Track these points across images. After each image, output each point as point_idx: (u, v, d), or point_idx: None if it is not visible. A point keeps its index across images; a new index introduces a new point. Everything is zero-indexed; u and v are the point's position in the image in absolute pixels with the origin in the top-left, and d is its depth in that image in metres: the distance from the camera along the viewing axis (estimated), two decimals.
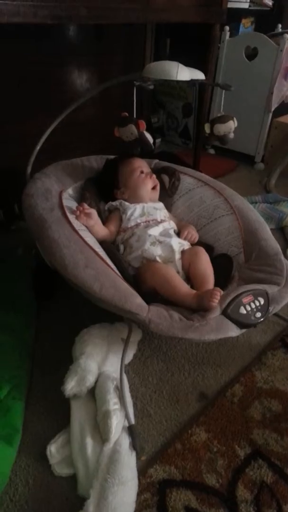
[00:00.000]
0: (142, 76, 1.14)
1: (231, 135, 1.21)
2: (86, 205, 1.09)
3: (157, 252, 1.09)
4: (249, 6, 2.37)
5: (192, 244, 1.19)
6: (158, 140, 2.54)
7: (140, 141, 1.21)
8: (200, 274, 1.07)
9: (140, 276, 1.06)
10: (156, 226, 1.16)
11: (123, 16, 1.28)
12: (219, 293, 0.93)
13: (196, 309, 0.96)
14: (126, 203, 1.21)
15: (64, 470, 0.82)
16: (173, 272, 1.05)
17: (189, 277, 1.09)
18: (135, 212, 1.19)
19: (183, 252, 1.12)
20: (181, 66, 1.09)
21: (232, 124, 1.18)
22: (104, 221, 1.20)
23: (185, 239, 1.18)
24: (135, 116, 1.21)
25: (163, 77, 1.10)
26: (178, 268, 1.09)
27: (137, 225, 1.17)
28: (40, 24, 1.06)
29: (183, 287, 1.01)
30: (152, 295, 1.00)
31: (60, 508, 0.77)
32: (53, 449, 0.84)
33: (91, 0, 1.15)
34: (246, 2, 2.33)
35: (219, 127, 1.17)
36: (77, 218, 1.06)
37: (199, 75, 1.20)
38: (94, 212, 1.10)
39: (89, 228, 1.09)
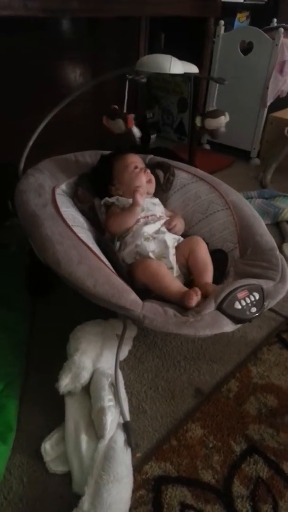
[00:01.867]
0: (135, 70, 1.13)
1: (223, 129, 1.21)
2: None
3: (150, 247, 1.09)
4: (244, 0, 2.36)
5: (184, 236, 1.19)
6: (153, 136, 2.53)
7: (127, 135, 1.20)
8: (200, 262, 1.07)
9: (132, 272, 1.06)
10: (153, 224, 1.15)
11: (116, 10, 1.27)
12: (195, 295, 0.94)
13: (183, 306, 0.96)
14: (124, 199, 1.20)
15: (58, 468, 0.81)
16: (164, 269, 1.05)
17: (188, 266, 1.09)
18: None
19: (179, 245, 1.12)
20: (174, 59, 1.08)
21: (223, 119, 1.17)
22: (107, 217, 1.19)
23: (171, 230, 1.17)
24: (125, 110, 1.20)
25: (156, 70, 1.08)
26: (172, 263, 1.08)
27: (136, 221, 1.16)
28: (32, 17, 1.04)
29: (173, 285, 1.00)
30: (146, 291, 1.00)
31: (54, 505, 0.77)
32: (48, 447, 0.83)
33: None
34: None
35: (210, 121, 1.17)
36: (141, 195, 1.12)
37: (193, 69, 1.19)
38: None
39: (135, 212, 1.13)
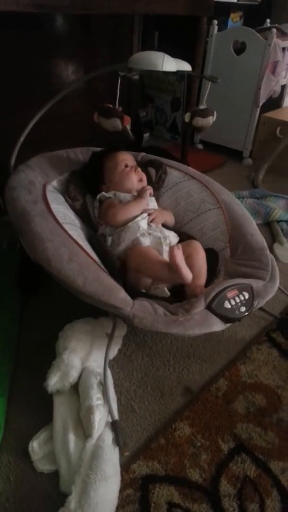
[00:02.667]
0: (128, 67, 1.12)
1: (209, 126, 1.23)
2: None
3: (145, 242, 1.09)
4: (238, 0, 2.36)
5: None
6: (146, 135, 2.52)
7: (122, 133, 1.20)
8: (196, 267, 1.06)
9: (125, 265, 1.05)
10: (145, 219, 1.15)
11: (109, 7, 1.26)
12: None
13: (175, 281, 0.97)
14: (121, 194, 1.19)
15: (46, 467, 0.81)
16: (153, 250, 1.06)
17: None
18: None
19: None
20: (166, 56, 1.08)
21: (211, 120, 1.19)
22: (105, 210, 1.17)
23: (152, 221, 1.18)
24: (117, 105, 1.19)
25: (149, 68, 1.08)
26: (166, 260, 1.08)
27: (135, 216, 1.15)
28: (23, 13, 1.03)
29: (161, 261, 1.02)
30: (136, 289, 0.99)
31: (42, 505, 0.76)
32: (36, 445, 0.83)
33: None
34: None
35: (198, 120, 1.18)
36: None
37: (185, 67, 1.19)
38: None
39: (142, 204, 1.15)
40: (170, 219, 1.26)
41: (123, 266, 1.08)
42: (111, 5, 1.27)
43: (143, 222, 1.14)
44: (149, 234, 1.11)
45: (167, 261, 0.99)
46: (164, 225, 1.21)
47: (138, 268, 1.03)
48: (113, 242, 1.13)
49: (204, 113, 1.17)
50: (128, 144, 1.26)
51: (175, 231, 1.20)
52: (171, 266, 0.96)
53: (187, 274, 0.95)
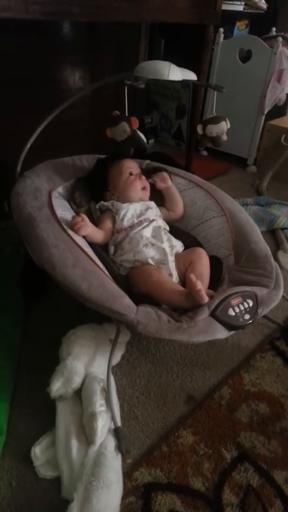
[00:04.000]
0: (134, 76, 1.13)
1: (224, 137, 1.21)
2: (77, 217, 1.05)
3: (149, 254, 1.09)
4: (244, 8, 2.38)
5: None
6: (151, 141, 2.54)
7: (133, 139, 1.20)
8: (197, 274, 1.05)
9: (132, 279, 1.05)
10: (147, 227, 1.15)
11: (116, 15, 1.27)
12: (197, 281, 0.94)
13: (190, 307, 0.95)
14: (119, 203, 1.20)
15: (48, 472, 0.80)
16: (165, 276, 1.05)
17: (184, 274, 1.09)
18: (127, 212, 1.18)
19: (181, 254, 1.13)
20: (172, 66, 1.08)
21: (225, 125, 1.18)
22: (97, 222, 1.19)
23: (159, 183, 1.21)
24: (127, 114, 1.20)
25: (155, 77, 1.09)
26: (171, 270, 1.08)
27: (131, 226, 1.16)
28: (32, 20, 1.04)
29: (176, 289, 1.01)
30: (142, 296, 0.99)
31: (43, 511, 0.76)
32: (38, 451, 0.82)
33: None
34: (240, 4, 2.33)
35: (211, 127, 1.17)
36: (76, 230, 1.03)
37: (191, 76, 1.19)
38: (86, 219, 1.06)
39: (87, 236, 1.08)
40: (180, 204, 1.28)
41: (129, 276, 1.08)
42: (119, 13, 1.29)
43: (146, 231, 1.14)
44: (153, 244, 1.11)
45: (184, 290, 0.98)
46: (170, 225, 1.21)
47: (150, 294, 1.01)
48: (116, 251, 1.14)
49: (216, 120, 1.16)
50: (142, 150, 1.25)
51: (182, 233, 1.20)
52: (191, 294, 0.95)
53: (205, 300, 0.94)
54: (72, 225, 1.03)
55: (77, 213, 1.19)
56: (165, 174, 1.27)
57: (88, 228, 1.07)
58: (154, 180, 1.26)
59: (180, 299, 0.97)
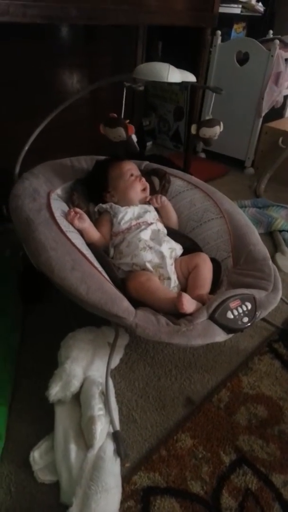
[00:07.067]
0: (132, 77, 1.13)
1: (215, 138, 1.22)
2: (77, 208, 1.08)
3: (147, 257, 1.08)
4: (241, 11, 2.39)
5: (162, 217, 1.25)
6: (149, 143, 2.54)
7: (126, 144, 1.20)
8: (201, 278, 1.07)
9: (127, 284, 1.05)
10: (146, 230, 1.15)
11: (114, 18, 1.28)
12: (183, 297, 0.93)
13: (176, 313, 0.95)
14: (117, 206, 1.20)
15: (47, 477, 0.80)
16: (155, 283, 1.03)
17: (187, 278, 1.09)
18: (126, 215, 1.18)
19: (184, 258, 1.12)
20: (172, 67, 1.08)
21: (218, 129, 1.18)
22: (95, 224, 1.19)
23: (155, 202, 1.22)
24: (122, 116, 1.20)
25: (154, 79, 1.09)
26: (169, 274, 1.07)
27: (129, 228, 1.15)
28: (30, 24, 1.04)
29: (166, 298, 0.99)
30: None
31: None
32: (37, 456, 0.82)
33: (82, 0, 1.14)
34: (238, 7, 2.34)
35: (205, 130, 1.18)
36: (70, 221, 1.05)
37: (190, 78, 1.19)
38: (83, 213, 1.10)
39: (83, 231, 1.09)
40: (174, 219, 1.28)
41: (126, 280, 1.07)
42: (117, 16, 1.29)
43: (144, 234, 1.13)
44: (151, 248, 1.10)
45: (173, 297, 0.97)
46: (168, 230, 1.22)
47: (139, 299, 0.99)
48: (115, 255, 1.13)
49: (211, 123, 1.17)
50: (134, 153, 1.26)
51: (181, 236, 1.21)
52: (176, 305, 0.94)
53: (187, 312, 0.94)
54: (68, 216, 1.05)
55: None
56: (163, 197, 1.26)
57: (85, 222, 1.08)
58: (150, 199, 1.25)
59: (172, 306, 0.96)
